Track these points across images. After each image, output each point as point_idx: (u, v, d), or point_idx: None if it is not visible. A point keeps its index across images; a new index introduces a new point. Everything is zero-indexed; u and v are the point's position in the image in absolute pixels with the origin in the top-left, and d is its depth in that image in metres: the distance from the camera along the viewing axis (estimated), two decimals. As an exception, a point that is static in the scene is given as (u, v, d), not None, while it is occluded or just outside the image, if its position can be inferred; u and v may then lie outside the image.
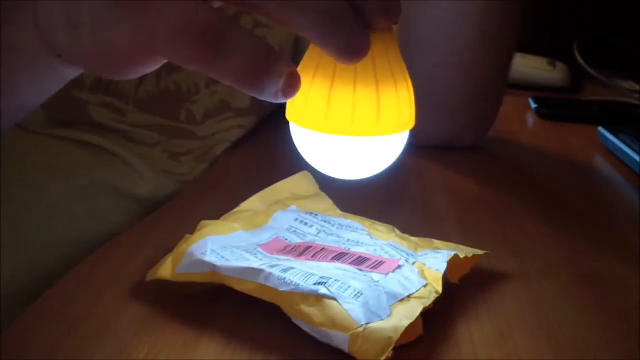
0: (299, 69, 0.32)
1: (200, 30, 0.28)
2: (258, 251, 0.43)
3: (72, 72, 0.36)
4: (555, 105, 0.89)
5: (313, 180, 0.52)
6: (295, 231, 0.46)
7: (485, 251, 0.44)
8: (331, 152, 0.34)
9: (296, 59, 0.58)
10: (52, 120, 0.53)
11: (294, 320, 0.37)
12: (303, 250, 0.43)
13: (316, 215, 0.47)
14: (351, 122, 0.33)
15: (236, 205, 0.48)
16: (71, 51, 0.33)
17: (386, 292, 0.38)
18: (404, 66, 0.34)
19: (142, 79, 0.56)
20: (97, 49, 0.32)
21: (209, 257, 0.40)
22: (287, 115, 0.35)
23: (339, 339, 0.35)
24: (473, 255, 0.43)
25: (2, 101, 0.37)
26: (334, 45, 0.29)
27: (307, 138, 0.34)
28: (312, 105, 0.33)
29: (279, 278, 0.38)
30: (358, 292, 0.37)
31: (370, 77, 0.32)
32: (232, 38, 0.28)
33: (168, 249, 0.42)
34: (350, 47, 0.29)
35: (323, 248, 0.43)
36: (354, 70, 0.32)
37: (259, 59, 0.29)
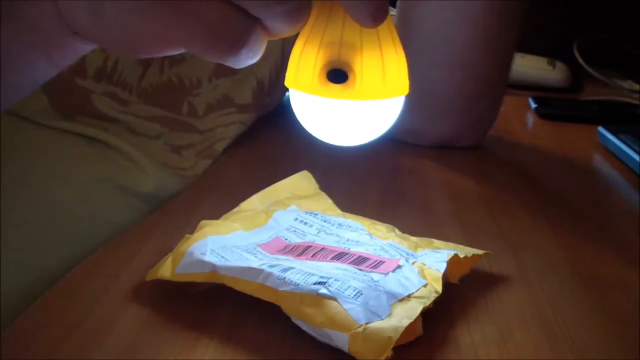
0: (299, 36, 0.33)
1: (226, 28, 0.30)
2: (258, 251, 0.43)
3: (87, 48, 0.36)
4: (555, 105, 0.89)
5: (313, 180, 0.52)
6: (295, 231, 0.46)
7: (485, 251, 0.44)
8: (334, 117, 0.34)
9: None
10: (55, 110, 0.53)
11: (294, 320, 0.37)
12: (303, 250, 0.43)
13: (316, 215, 0.47)
14: (361, 86, 0.33)
15: (236, 205, 0.48)
16: (89, 32, 0.33)
17: (386, 292, 0.38)
18: (395, 33, 0.34)
19: (145, 71, 0.56)
20: (118, 35, 0.32)
21: (209, 257, 0.40)
22: (287, 83, 0.35)
23: (339, 339, 0.35)
24: (473, 255, 0.43)
25: (18, 76, 0.37)
26: (363, 10, 0.30)
27: (306, 104, 0.34)
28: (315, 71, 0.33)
29: (278, 278, 0.38)
30: (358, 292, 0.37)
31: (374, 41, 0.33)
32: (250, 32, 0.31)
33: (168, 249, 0.42)
34: (377, 11, 0.31)
35: (323, 248, 0.43)
36: (360, 35, 0.32)
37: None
